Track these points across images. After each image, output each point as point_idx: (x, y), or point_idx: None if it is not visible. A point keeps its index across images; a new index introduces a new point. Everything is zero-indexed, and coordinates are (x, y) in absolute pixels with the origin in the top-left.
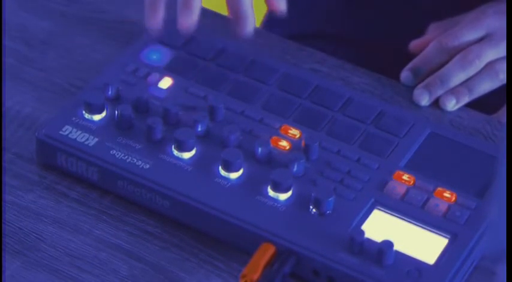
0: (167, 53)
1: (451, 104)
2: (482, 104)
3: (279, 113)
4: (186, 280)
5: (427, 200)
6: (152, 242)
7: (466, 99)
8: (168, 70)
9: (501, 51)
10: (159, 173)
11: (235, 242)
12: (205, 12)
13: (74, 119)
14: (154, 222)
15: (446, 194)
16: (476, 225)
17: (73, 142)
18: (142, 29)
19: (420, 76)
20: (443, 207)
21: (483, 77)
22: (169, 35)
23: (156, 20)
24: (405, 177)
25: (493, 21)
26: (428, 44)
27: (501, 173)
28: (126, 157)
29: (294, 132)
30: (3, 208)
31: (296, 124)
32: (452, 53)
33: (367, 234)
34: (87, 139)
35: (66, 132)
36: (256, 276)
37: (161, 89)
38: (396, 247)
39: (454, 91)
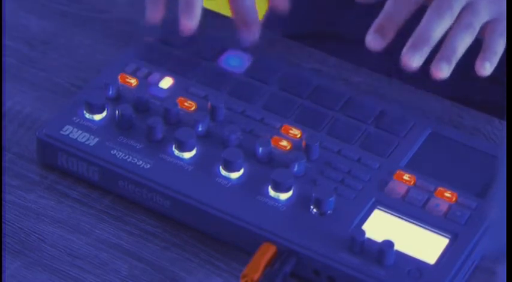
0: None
1: (445, 70)
2: (483, 104)
3: (280, 113)
4: (186, 280)
5: (428, 199)
6: (153, 241)
7: (454, 60)
8: (168, 70)
9: None
10: (160, 173)
11: (236, 242)
12: (206, 13)
13: (74, 118)
14: (155, 222)
15: (447, 194)
16: (476, 225)
17: (74, 142)
18: (143, 28)
19: (389, 37)
20: (444, 207)
21: (462, 35)
22: (170, 35)
23: (157, 16)
24: (406, 177)
25: None
26: None
27: (502, 173)
28: (126, 157)
29: (295, 132)
30: (3, 208)
31: (297, 124)
32: (415, 6)
33: (368, 234)
34: (88, 139)
35: (67, 132)
36: (256, 276)
37: (162, 89)
38: (397, 247)
39: (440, 57)
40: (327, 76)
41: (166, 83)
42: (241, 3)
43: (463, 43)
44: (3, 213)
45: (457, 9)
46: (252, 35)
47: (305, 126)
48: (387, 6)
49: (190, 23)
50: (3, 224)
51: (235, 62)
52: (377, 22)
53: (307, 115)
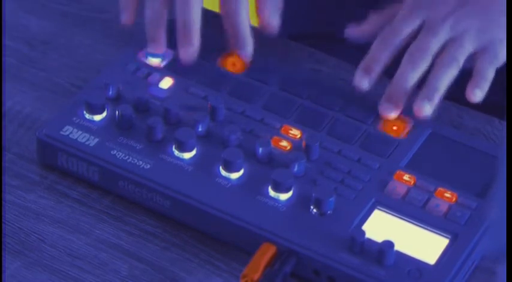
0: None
1: (428, 109)
2: (483, 104)
3: (280, 113)
4: (186, 280)
5: (428, 200)
6: (153, 242)
7: (437, 98)
8: (168, 70)
9: (441, 37)
10: (160, 173)
11: (236, 242)
12: (205, 12)
13: (74, 119)
14: (155, 222)
15: (447, 194)
16: (476, 225)
17: (74, 142)
18: (143, 29)
19: (374, 76)
20: (444, 207)
21: (445, 71)
22: (170, 35)
23: (130, 18)
24: (406, 177)
25: (425, 9)
26: (365, 32)
27: (502, 173)
28: (126, 157)
29: (295, 132)
30: (3, 208)
31: (297, 124)
32: (397, 48)
33: (368, 234)
34: (88, 139)
35: (67, 133)
36: (257, 276)
37: (162, 89)
38: (397, 247)
39: (423, 96)
40: (327, 76)
41: (166, 83)
42: (235, 21)
43: (446, 79)
44: (3, 213)
45: (435, 48)
46: (246, 51)
47: (305, 127)
48: (371, 49)
49: (189, 52)
50: (3, 224)
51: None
52: (362, 64)
53: (307, 115)
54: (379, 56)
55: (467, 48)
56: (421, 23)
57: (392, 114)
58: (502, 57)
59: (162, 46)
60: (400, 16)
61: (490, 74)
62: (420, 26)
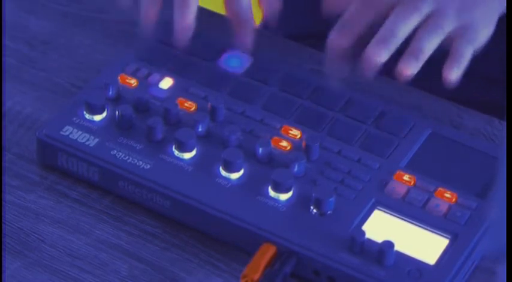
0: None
1: (413, 66)
2: (483, 104)
3: (280, 113)
4: (186, 280)
5: (428, 200)
6: (153, 242)
7: (422, 60)
8: (168, 70)
9: (427, 6)
10: (160, 173)
11: (236, 242)
12: (204, 12)
13: (74, 119)
14: (155, 222)
15: (447, 194)
16: (476, 225)
17: (74, 142)
18: (143, 29)
19: (349, 36)
20: (444, 207)
21: (430, 36)
22: (170, 35)
23: (152, 15)
24: (406, 177)
25: None
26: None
27: (502, 173)
28: (126, 157)
29: (295, 132)
30: (3, 208)
31: (297, 124)
32: (378, 10)
33: (368, 235)
34: (88, 139)
35: (67, 133)
36: (257, 276)
37: (162, 89)
38: (397, 247)
39: (408, 54)
40: (327, 76)
41: (166, 83)
42: (236, 4)
43: (430, 44)
44: (3, 214)
45: (424, 11)
46: (248, 36)
47: (305, 127)
48: (348, 11)
49: (185, 21)
50: (3, 224)
51: (235, 62)
52: (337, 24)
53: (307, 115)
54: (357, 17)
55: (452, 20)
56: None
57: (380, 58)
58: (480, 38)
59: (155, 10)
60: None
61: (468, 53)
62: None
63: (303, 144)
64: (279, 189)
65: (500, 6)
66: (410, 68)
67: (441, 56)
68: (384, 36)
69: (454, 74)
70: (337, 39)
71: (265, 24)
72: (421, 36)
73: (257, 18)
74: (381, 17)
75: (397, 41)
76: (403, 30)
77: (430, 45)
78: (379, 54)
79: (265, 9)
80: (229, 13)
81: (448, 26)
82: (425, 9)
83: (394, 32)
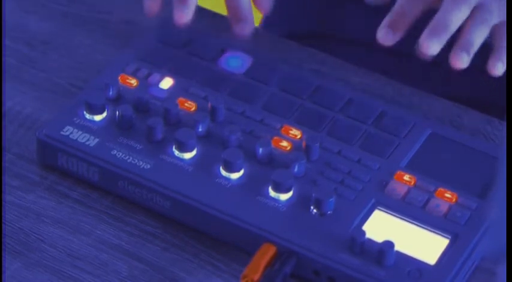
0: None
1: (465, 60)
2: (483, 104)
3: (280, 114)
4: (186, 280)
5: (428, 200)
6: (153, 242)
7: (472, 53)
8: (168, 70)
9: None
10: (160, 174)
11: (236, 243)
12: (204, 12)
13: (74, 119)
14: (155, 222)
15: (447, 195)
16: (477, 225)
17: (74, 142)
18: (143, 29)
19: (398, 32)
20: (444, 207)
21: (479, 29)
22: (170, 35)
23: (155, 8)
24: (406, 177)
25: None
26: None
27: (502, 173)
28: (127, 157)
29: (295, 132)
30: (3, 208)
31: (297, 124)
32: (426, 3)
33: (368, 235)
34: (88, 139)
35: (67, 133)
36: (257, 276)
37: (162, 89)
38: (397, 247)
39: (459, 47)
40: (327, 76)
41: (167, 83)
42: (237, 0)
43: (479, 37)
44: (3, 214)
45: (472, 4)
46: (246, 31)
47: (305, 127)
48: (398, 3)
49: (184, 16)
50: (3, 225)
51: (235, 62)
52: (388, 18)
53: (307, 116)
54: (407, 12)
55: (496, 15)
56: None
57: (433, 50)
58: None
59: (157, 2)
60: None
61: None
62: None
63: (303, 144)
64: (279, 189)
65: None
66: (462, 62)
67: (441, 56)
68: (437, 28)
69: (499, 68)
70: (386, 36)
71: (265, 24)
72: (470, 30)
73: (257, 18)
74: (429, 7)
75: (448, 33)
76: (455, 23)
77: (478, 39)
78: (432, 47)
79: (259, 7)
80: (229, 9)
81: (492, 20)
82: (473, 2)
83: (446, 25)
